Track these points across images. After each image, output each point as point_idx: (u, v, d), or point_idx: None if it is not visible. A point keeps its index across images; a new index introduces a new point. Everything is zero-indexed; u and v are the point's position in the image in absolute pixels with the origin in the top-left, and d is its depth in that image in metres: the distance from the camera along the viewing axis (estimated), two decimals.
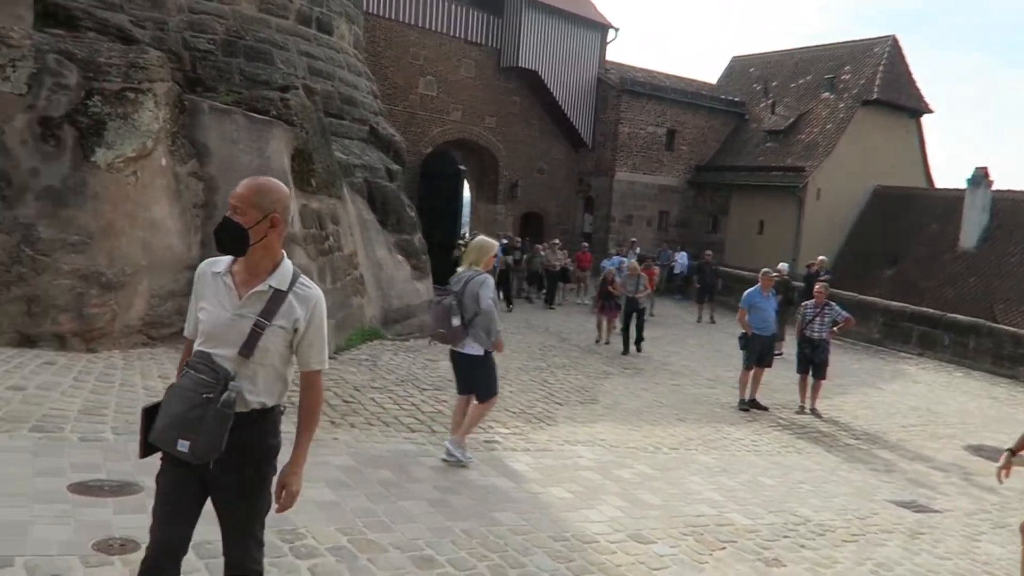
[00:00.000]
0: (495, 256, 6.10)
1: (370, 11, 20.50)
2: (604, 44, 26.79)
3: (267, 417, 2.63)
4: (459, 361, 5.80)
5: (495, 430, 7.05)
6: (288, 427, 2.63)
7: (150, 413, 2.61)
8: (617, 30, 26.77)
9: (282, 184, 2.67)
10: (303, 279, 2.66)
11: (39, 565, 3.23)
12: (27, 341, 6.69)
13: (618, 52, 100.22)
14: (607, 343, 13.89)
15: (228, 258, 2.63)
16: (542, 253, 19.84)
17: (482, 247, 5.88)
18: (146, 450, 2.63)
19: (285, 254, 2.67)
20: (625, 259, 19.13)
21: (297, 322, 2.59)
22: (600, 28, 26.59)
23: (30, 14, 10.25)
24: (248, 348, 2.52)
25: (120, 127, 7.36)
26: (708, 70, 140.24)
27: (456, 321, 5.59)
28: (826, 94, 26.70)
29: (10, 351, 6.48)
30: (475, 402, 5.85)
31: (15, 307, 6.67)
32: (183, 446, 2.47)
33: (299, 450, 2.65)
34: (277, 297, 2.57)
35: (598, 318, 14.38)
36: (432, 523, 4.54)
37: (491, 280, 5.81)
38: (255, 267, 2.59)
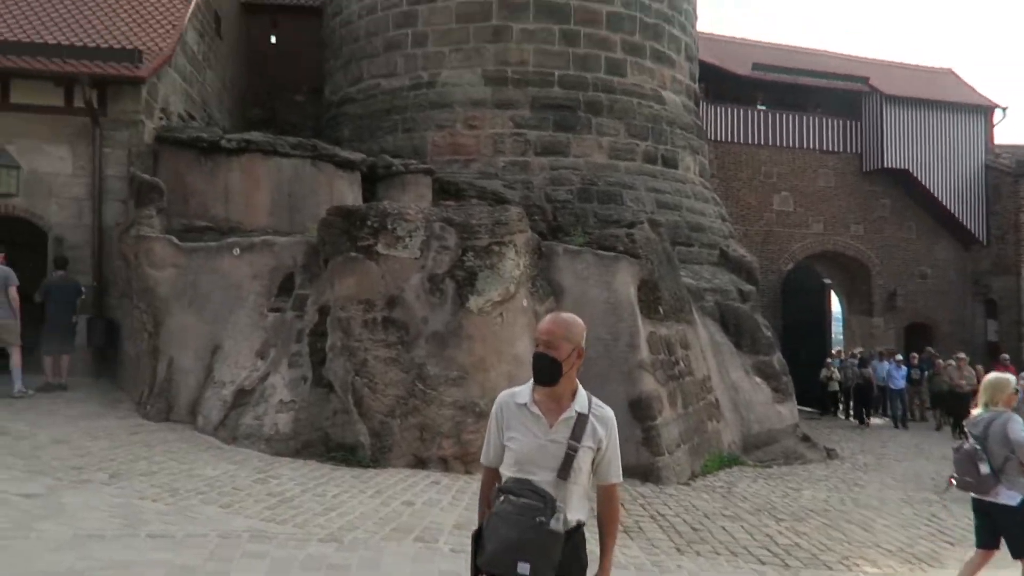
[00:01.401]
0: (1016, 393, 5.79)
1: (717, 139, 21.15)
2: (990, 126, 24.00)
3: (579, 534, 2.83)
4: (988, 511, 5.48)
5: (861, 567, 6.32)
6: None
7: (478, 538, 2.85)
8: (1005, 109, 23.87)
9: (579, 318, 2.94)
10: (596, 401, 2.90)
11: None
12: (420, 463, 7.86)
13: (1011, 132, 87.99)
14: None
15: (527, 388, 2.91)
16: (947, 371, 17.33)
17: (997, 384, 5.65)
18: (475, 573, 2.84)
19: (578, 380, 2.94)
20: None
21: (600, 441, 2.81)
22: (983, 111, 23.95)
23: (429, 192, 12.71)
24: (565, 470, 2.75)
25: (488, 276, 8.56)
26: None
27: (984, 468, 5.35)
28: None
29: (407, 471, 7.67)
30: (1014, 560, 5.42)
31: (411, 434, 7.94)
32: (523, 568, 2.64)
33: (606, 557, 2.84)
34: (581, 421, 2.81)
35: None
36: None
37: (1018, 417, 5.50)
38: (559, 395, 2.85)
